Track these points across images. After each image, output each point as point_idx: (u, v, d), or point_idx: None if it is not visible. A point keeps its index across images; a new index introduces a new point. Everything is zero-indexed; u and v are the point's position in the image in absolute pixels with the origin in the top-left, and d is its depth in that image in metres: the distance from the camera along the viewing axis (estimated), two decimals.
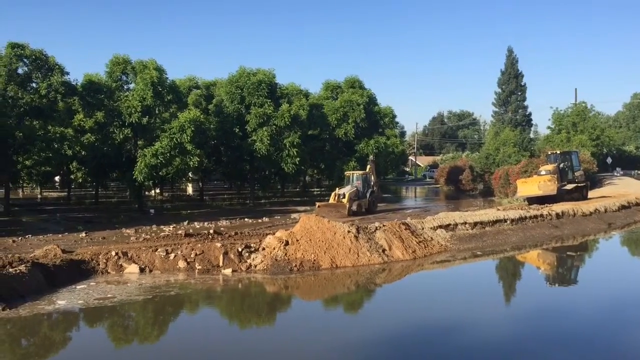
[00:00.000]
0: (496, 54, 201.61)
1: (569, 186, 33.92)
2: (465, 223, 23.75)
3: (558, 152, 36.92)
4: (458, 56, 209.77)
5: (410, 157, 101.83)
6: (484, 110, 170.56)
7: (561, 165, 34.42)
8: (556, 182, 32.17)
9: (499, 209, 28.10)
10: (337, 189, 32.47)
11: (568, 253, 22.98)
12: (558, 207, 28.64)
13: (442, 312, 13.88)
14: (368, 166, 34.63)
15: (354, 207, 29.72)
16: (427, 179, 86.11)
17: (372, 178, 33.71)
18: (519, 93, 70.89)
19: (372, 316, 14.24)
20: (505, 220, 25.20)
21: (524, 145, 51.78)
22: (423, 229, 22.06)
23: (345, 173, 34.62)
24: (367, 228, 20.40)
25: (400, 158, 63.46)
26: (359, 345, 11.37)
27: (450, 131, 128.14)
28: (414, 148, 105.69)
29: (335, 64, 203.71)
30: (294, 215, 30.31)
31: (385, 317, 13.83)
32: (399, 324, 12.89)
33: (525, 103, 71.31)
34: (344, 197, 29.95)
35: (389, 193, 57.27)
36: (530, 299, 15.98)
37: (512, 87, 70.47)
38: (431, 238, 21.57)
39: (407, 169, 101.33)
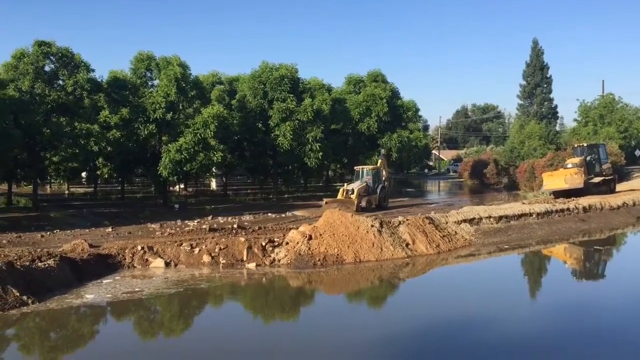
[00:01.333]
0: (521, 46, 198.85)
1: (596, 179, 33.43)
2: (490, 217, 23.53)
3: (585, 144, 36.39)
4: (482, 48, 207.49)
5: (433, 151, 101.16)
6: (509, 103, 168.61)
7: (588, 158, 33.94)
8: (583, 175, 31.73)
9: (524, 203, 27.83)
10: (345, 184, 31.30)
11: (595, 247, 22.66)
12: (585, 201, 28.24)
13: (466, 307, 13.76)
14: (379, 160, 33.57)
15: (363, 203, 28.50)
16: (451, 173, 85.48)
17: (384, 173, 32.51)
18: (545, 85, 69.61)
19: (396, 311, 14.22)
20: (531, 214, 24.90)
21: (549, 138, 51.01)
22: (447, 223, 21.92)
23: (355, 168, 33.59)
24: (390, 222, 20.34)
25: (423, 152, 63.08)
26: (383, 340, 11.35)
27: (474, 124, 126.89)
28: (437, 142, 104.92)
29: (357, 58, 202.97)
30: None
31: (409, 311, 13.79)
32: (423, 319, 12.84)
33: (551, 95, 69.95)
34: (352, 193, 28.68)
35: (412, 187, 57.06)
36: (556, 294, 15.79)
37: (537, 79, 69.27)
38: (455, 232, 21.41)
39: (431, 163, 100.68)
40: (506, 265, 19.79)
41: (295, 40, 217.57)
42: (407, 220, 20.77)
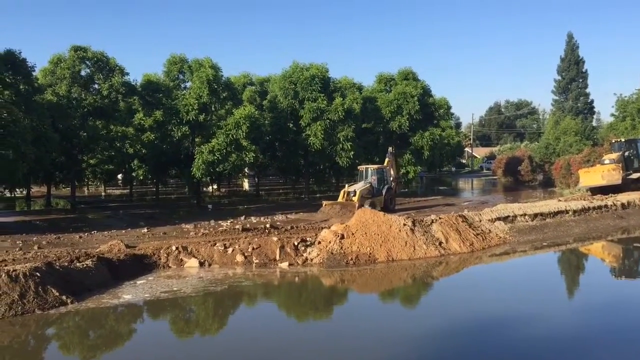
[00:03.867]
0: (555, 40, 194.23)
1: (635, 175, 32.69)
2: (525, 215, 23.19)
3: (623, 140, 35.63)
4: (515, 43, 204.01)
5: (466, 149, 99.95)
6: (543, 99, 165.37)
7: (626, 154, 33.23)
8: (621, 171, 31.09)
9: (560, 200, 27.33)
10: (346, 185, 28.77)
11: (635, 245, 22.12)
12: (623, 197, 27.63)
13: (502, 307, 13.61)
14: (386, 159, 31.30)
15: (366, 206, 25.27)
16: (484, 171, 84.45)
17: (391, 173, 30.69)
18: (580, 80, 68.12)
19: (431, 310, 14.12)
20: (567, 212, 24.46)
21: (586, 134, 50.08)
22: (480, 221, 21.68)
23: (359, 167, 31.51)
24: (423, 221, 20.22)
25: (456, 150, 62.40)
26: (417, 340, 11.30)
27: (507, 121, 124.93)
28: (470, 139, 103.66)
29: (388, 55, 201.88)
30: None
31: (443, 311, 13.68)
32: (458, 319, 12.70)
33: (587, 90, 68.36)
34: (354, 195, 26.60)
35: (444, 185, 56.59)
36: (595, 294, 15.48)
37: (572, 74, 67.82)
38: (489, 230, 21.17)
39: (464, 161, 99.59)
40: (542, 264, 19.45)
41: (325, 39, 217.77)
42: (440, 218, 20.62)
